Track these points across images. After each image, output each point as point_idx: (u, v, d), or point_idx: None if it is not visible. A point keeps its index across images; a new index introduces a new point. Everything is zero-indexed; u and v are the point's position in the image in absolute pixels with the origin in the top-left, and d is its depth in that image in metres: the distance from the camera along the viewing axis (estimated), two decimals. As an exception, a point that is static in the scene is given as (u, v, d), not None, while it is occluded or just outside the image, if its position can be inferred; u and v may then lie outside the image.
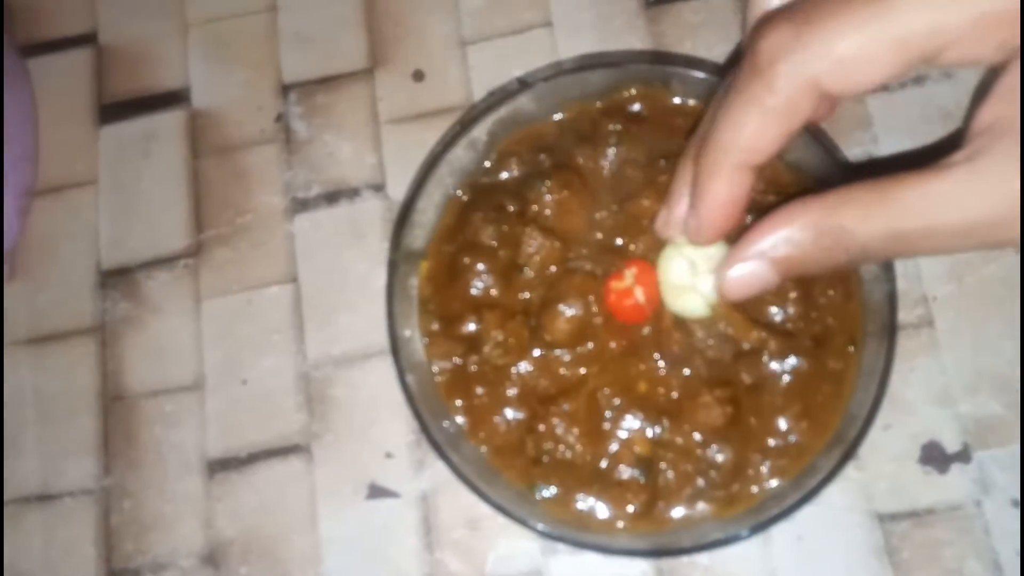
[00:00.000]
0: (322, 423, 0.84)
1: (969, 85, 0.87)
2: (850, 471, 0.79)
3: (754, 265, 0.47)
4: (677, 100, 0.72)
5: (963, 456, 0.78)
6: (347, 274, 0.87)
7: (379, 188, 0.89)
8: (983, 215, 0.42)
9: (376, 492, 0.82)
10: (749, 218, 0.66)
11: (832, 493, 0.78)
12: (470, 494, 0.77)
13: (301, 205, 0.90)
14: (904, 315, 0.82)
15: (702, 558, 0.77)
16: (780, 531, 0.77)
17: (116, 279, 0.90)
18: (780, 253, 0.46)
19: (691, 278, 0.61)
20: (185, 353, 0.87)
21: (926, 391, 0.80)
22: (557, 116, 0.74)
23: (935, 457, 0.78)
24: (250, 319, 0.87)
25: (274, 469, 0.83)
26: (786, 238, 0.46)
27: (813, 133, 0.67)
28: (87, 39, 0.97)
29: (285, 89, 0.93)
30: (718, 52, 0.89)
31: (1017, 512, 0.77)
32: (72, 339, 0.89)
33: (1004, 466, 0.78)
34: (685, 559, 0.77)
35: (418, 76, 0.92)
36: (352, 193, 0.90)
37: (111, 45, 0.97)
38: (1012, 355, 0.80)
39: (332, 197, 0.90)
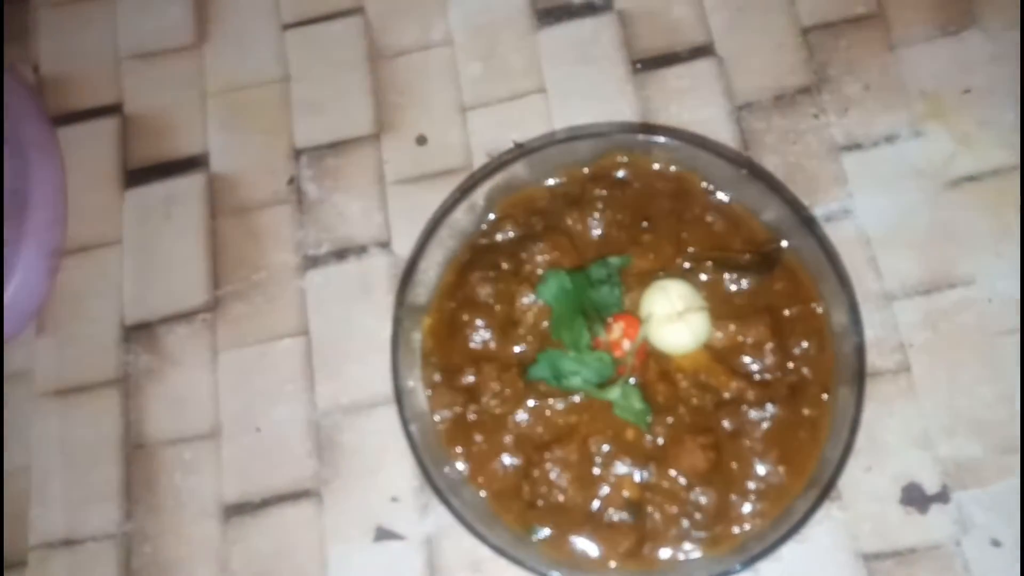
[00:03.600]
0: (331, 469, 0.88)
1: (940, 143, 0.92)
2: (834, 511, 0.82)
3: None
4: (658, 166, 0.78)
5: (942, 497, 0.82)
6: (355, 327, 0.92)
7: (385, 245, 0.95)
8: None
9: (383, 535, 0.86)
10: (729, 276, 0.71)
11: (818, 533, 0.82)
12: (473, 537, 0.81)
13: (312, 262, 0.95)
14: (882, 362, 0.86)
15: (693, 598, 0.80)
16: (768, 571, 0.81)
17: (138, 333, 0.95)
18: None
19: (673, 310, 0.66)
20: (202, 403, 0.92)
21: (905, 434, 0.84)
22: (549, 182, 0.80)
23: (916, 498, 0.82)
24: (264, 370, 0.92)
25: (286, 513, 0.88)
26: None
27: (784, 196, 0.73)
28: (113, 109, 1.04)
29: (297, 153, 1.00)
30: (702, 116, 0.95)
31: (997, 551, 0.80)
32: (97, 390, 0.94)
33: (983, 506, 0.81)
34: (677, 599, 0.80)
35: (421, 140, 0.98)
36: (360, 250, 0.95)
37: (135, 114, 1.04)
38: (989, 398, 0.84)
39: (341, 254, 0.95)
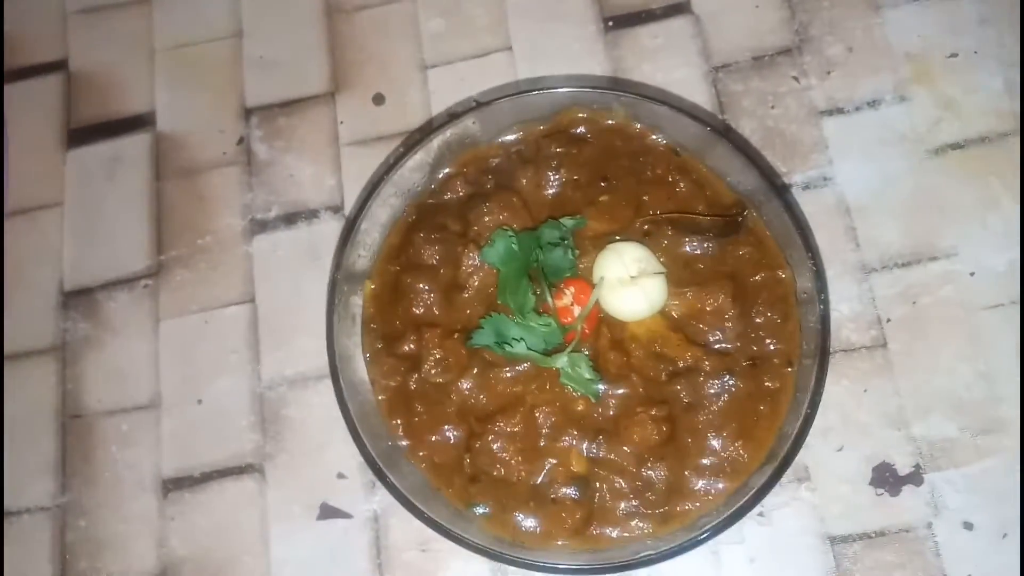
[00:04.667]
0: (275, 443, 0.84)
1: (924, 109, 0.88)
2: (802, 492, 0.78)
3: None
4: (618, 123, 0.73)
5: (915, 478, 0.78)
6: (303, 295, 0.88)
7: (337, 210, 0.90)
8: None
9: (328, 512, 0.82)
10: (690, 240, 0.66)
11: (784, 516, 0.78)
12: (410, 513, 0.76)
13: (260, 226, 0.91)
14: (857, 337, 0.82)
15: (649, 578, 0.76)
16: (731, 553, 0.77)
17: (78, 300, 0.91)
18: None
19: (627, 273, 0.61)
20: (142, 373, 0.88)
21: (879, 413, 0.80)
22: (503, 139, 0.75)
23: (887, 479, 0.78)
24: (207, 339, 0.88)
25: (227, 489, 0.83)
26: None
27: (751, 157, 0.68)
28: (57, 66, 0.99)
29: (247, 112, 0.95)
30: (676, 76, 0.90)
31: (969, 535, 0.76)
32: (33, 358, 0.90)
33: (957, 488, 0.77)
34: (633, 579, 0.76)
35: (379, 100, 0.93)
36: (311, 215, 0.90)
37: (80, 71, 0.99)
38: (968, 377, 0.80)
39: (291, 219, 0.91)
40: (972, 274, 0.82)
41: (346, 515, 0.81)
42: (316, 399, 0.85)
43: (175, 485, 0.84)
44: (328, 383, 0.83)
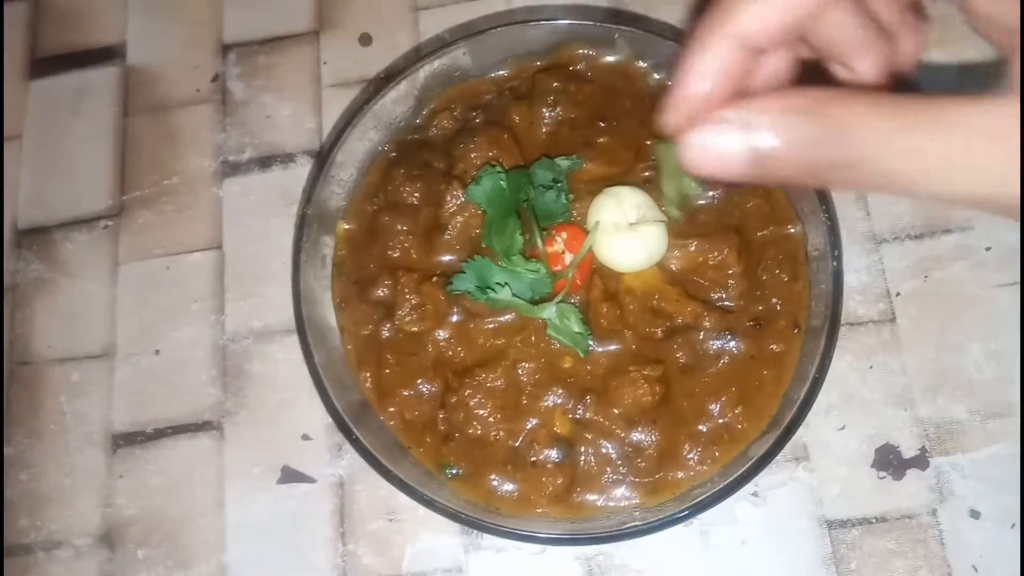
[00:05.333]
0: (236, 400, 0.78)
1: (946, 72, 0.83)
2: (799, 472, 0.73)
3: (730, 136, 0.36)
4: (621, 60, 0.68)
5: (920, 462, 0.73)
6: (274, 243, 0.82)
7: (316, 154, 0.84)
8: None
9: (289, 476, 0.76)
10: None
11: (780, 496, 0.73)
12: (390, 484, 0.71)
13: (232, 169, 0.85)
14: (865, 310, 0.77)
15: (637, 561, 0.71)
16: (722, 534, 0.72)
17: (32, 238, 0.85)
18: (762, 134, 0.35)
19: (626, 220, 0.56)
20: (97, 319, 0.82)
21: (884, 391, 0.74)
22: (495, 74, 0.69)
23: (890, 462, 0.73)
24: (169, 286, 0.82)
25: (182, 446, 0.77)
26: (776, 118, 0.36)
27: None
28: (24, -10, 0.93)
29: (225, 49, 0.89)
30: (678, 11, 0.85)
31: (975, 523, 0.71)
32: (-20, 300, 0.83)
33: (964, 474, 0.72)
34: (618, 560, 0.71)
35: (365, 40, 0.87)
36: (287, 159, 0.85)
37: (48, -2, 0.92)
38: (978, 357, 0.75)
39: (265, 162, 0.85)
40: (988, 249, 0.78)
41: (309, 479, 0.76)
42: (282, 354, 0.79)
43: (126, 440, 0.78)
44: (297, 338, 0.78)
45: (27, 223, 0.85)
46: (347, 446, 0.76)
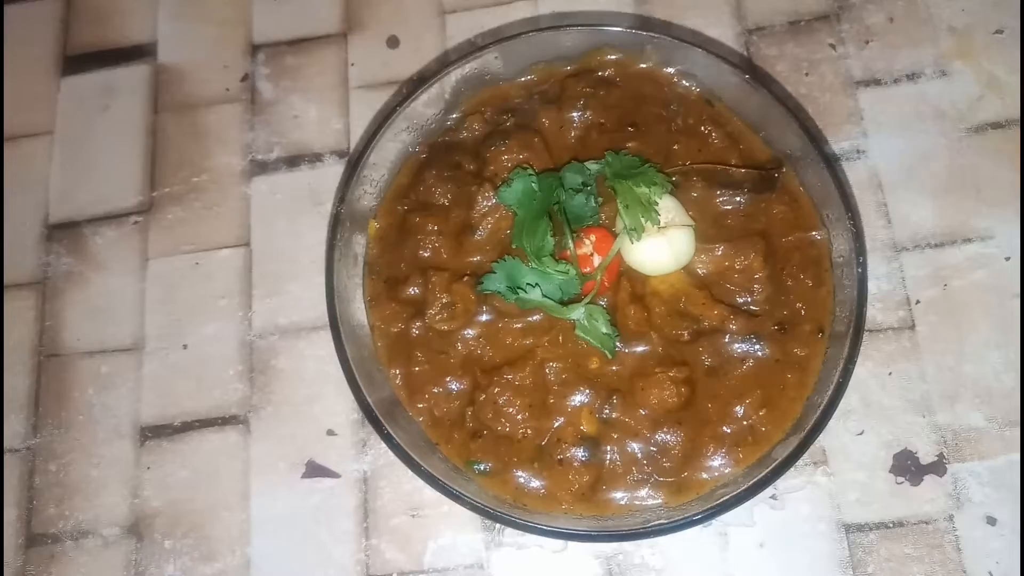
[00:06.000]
0: (262, 395, 0.79)
1: (966, 85, 0.83)
2: (818, 477, 0.74)
3: None
4: (650, 67, 0.68)
5: (938, 468, 0.73)
6: (302, 241, 0.83)
7: (343, 155, 0.85)
8: None
9: (314, 471, 0.77)
10: (722, 192, 0.62)
11: (797, 499, 0.73)
12: (414, 479, 0.72)
13: (260, 167, 0.86)
14: (884, 317, 0.77)
15: (656, 560, 0.72)
16: (740, 536, 0.72)
17: (62, 233, 0.86)
18: None
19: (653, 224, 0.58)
20: (126, 313, 0.83)
21: (903, 397, 0.75)
22: (525, 78, 0.70)
23: (908, 467, 0.74)
24: (197, 282, 0.83)
25: (208, 440, 0.79)
26: None
27: (789, 107, 0.63)
28: (57, -11, 0.94)
29: (254, 49, 0.90)
30: (708, 36, 0.85)
31: (992, 530, 0.71)
32: (12, 292, 0.85)
33: (981, 481, 0.73)
34: (637, 559, 0.72)
35: (393, 43, 0.88)
36: (314, 158, 0.86)
37: (81, -4, 0.94)
38: (997, 365, 0.76)
39: (293, 161, 0.86)
40: (1007, 259, 0.78)
41: (333, 474, 0.77)
42: (309, 351, 0.80)
43: (153, 433, 0.79)
44: (323, 334, 0.79)
45: (58, 218, 0.87)
46: (371, 442, 0.77)
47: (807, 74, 0.84)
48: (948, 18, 0.86)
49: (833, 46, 0.85)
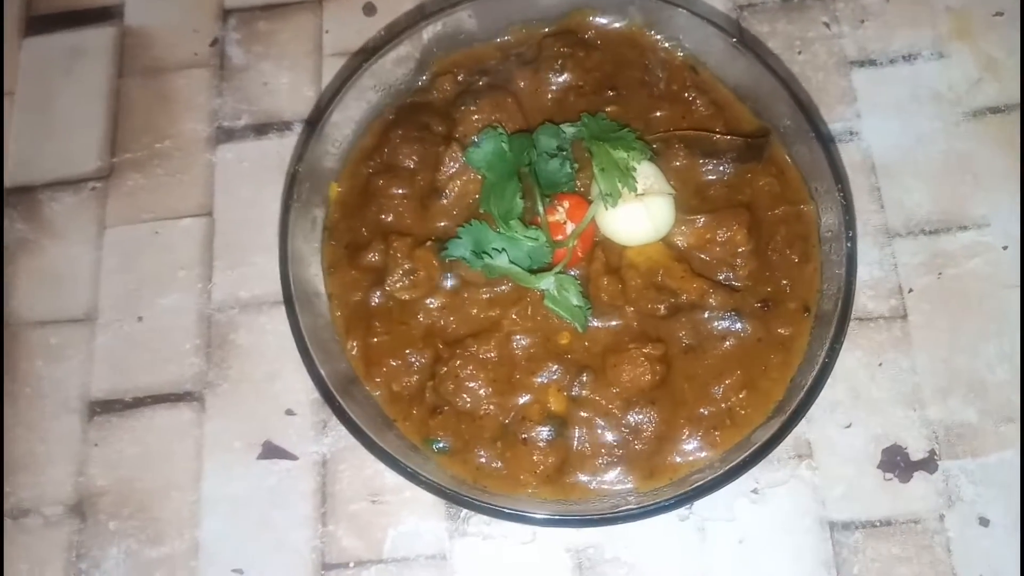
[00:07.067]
0: (219, 371, 0.75)
1: (964, 68, 0.80)
2: (802, 470, 0.70)
3: None
4: (633, 30, 0.65)
5: (928, 464, 0.70)
6: (267, 212, 0.79)
7: (313, 123, 0.81)
8: None
9: (270, 452, 0.73)
10: (706, 161, 0.59)
11: (780, 494, 0.69)
12: (375, 463, 0.68)
13: (226, 135, 0.82)
14: (875, 305, 0.74)
15: (629, 555, 0.68)
16: (719, 531, 0.68)
17: (17, 198, 0.82)
18: None
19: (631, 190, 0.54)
20: (80, 283, 0.79)
21: (894, 390, 0.72)
22: (501, 39, 0.67)
23: (897, 463, 0.70)
24: (156, 252, 0.79)
25: (160, 416, 0.74)
26: None
27: (778, 74, 0.60)
28: (23, -53, 0.91)
29: (225, 13, 0.86)
30: (698, 11, 0.82)
31: (984, 531, 0.68)
32: (-40, 259, 0.81)
33: (974, 479, 0.69)
34: (609, 554, 0.68)
35: (369, 10, 0.85)
36: (284, 126, 0.82)
37: (48, -46, 0.90)
38: (992, 358, 0.72)
39: (261, 129, 0.82)
40: (1005, 248, 0.75)
41: (291, 456, 0.72)
42: (270, 326, 0.76)
43: (103, 408, 0.75)
44: (284, 310, 0.75)
45: (13, 182, 0.83)
46: (332, 423, 0.73)
47: (799, 52, 0.81)
48: (947, -1, 0.83)
49: (827, 24, 0.82)
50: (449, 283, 0.60)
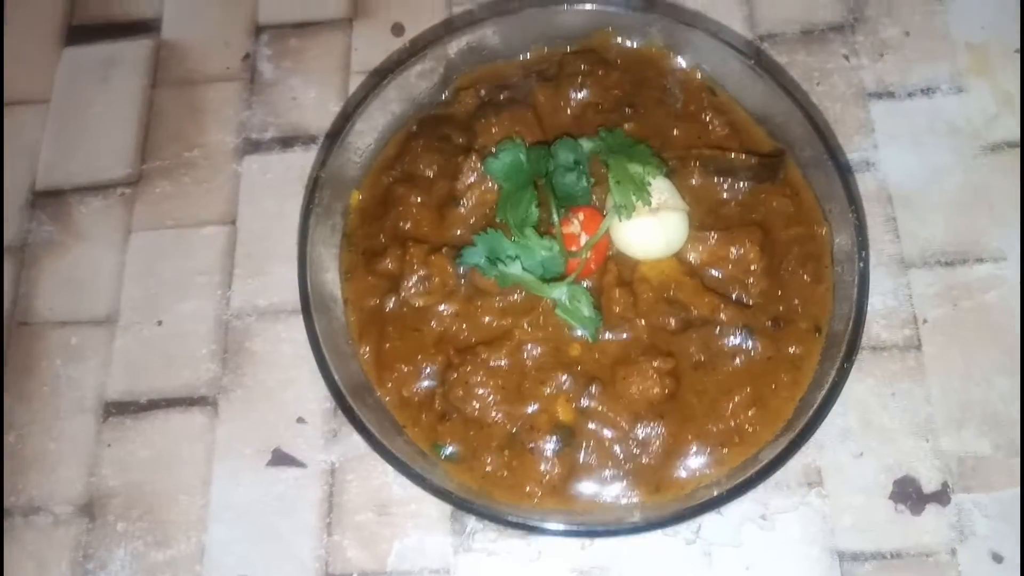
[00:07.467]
0: (234, 377, 0.76)
1: (982, 102, 0.81)
2: (812, 498, 0.69)
3: None
4: (653, 50, 0.66)
5: (941, 497, 0.69)
6: (288, 223, 0.80)
7: (336, 134, 0.83)
8: None
9: (280, 459, 0.73)
10: (721, 179, 0.59)
11: (789, 521, 0.69)
12: (383, 474, 0.68)
13: (253, 146, 0.84)
14: (889, 335, 0.73)
15: (631, 575, 0.67)
16: (726, 556, 0.68)
17: (47, 200, 0.84)
18: None
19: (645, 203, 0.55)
20: (103, 285, 0.80)
21: (906, 420, 0.71)
22: (524, 56, 0.68)
23: (909, 494, 0.69)
24: (178, 258, 0.81)
25: (173, 420, 0.75)
26: None
27: (796, 97, 0.61)
28: (67, -38, 0.94)
29: (258, 29, 0.89)
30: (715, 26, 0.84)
31: (998, 567, 0.66)
32: (-11, 257, 0.83)
33: (987, 513, 0.68)
34: (614, 572, 0.67)
35: (398, 30, 0.87)
36: (308, 140, 0.84)
37: (90, -31, 0.93)
38: (1005, 391, 0.71)
39: (287, 142, 0.84)
40: (1021, 281, 0.75)
41: (300, 464, 0.73)
42: (286, 334, 0.77)
43: (117, 409, 0.76)
44: (301, 319, 0.76)
45: (44, 185, 0.85)
46: (341, 433, 0.73)
47: (818, 83, 0.82)
48: (966, 34, 0.84)
49: (846, 57, 0.83)
50: (463, 291, 0.61)
